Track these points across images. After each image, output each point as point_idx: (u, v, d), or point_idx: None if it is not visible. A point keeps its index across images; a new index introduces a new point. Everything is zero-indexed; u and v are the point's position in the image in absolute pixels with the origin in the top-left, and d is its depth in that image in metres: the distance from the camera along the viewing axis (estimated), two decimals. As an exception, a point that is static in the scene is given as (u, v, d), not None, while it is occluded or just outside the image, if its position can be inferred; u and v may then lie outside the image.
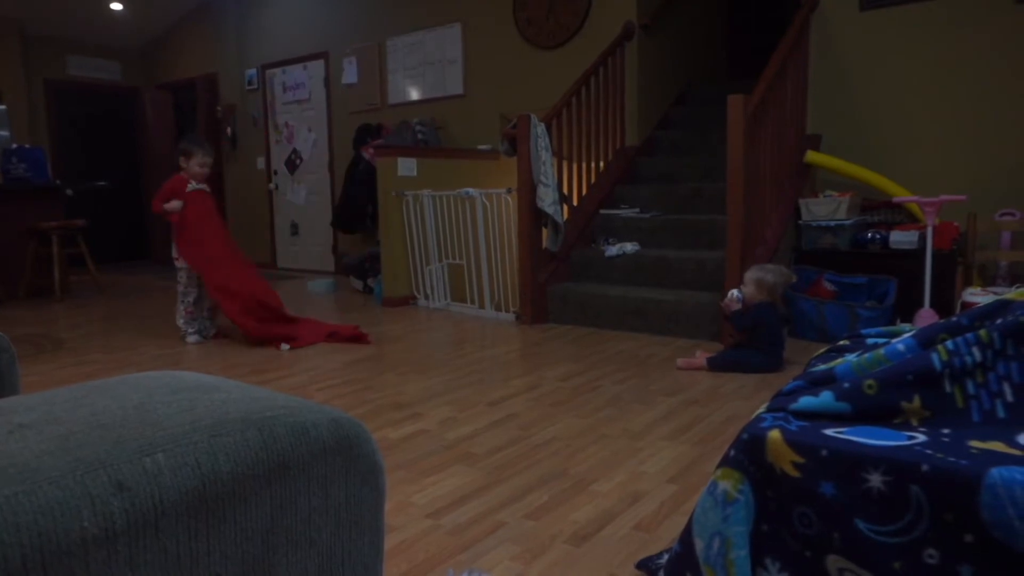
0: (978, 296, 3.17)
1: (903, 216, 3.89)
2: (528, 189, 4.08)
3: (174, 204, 3.72)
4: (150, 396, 0.64)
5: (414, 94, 6.22)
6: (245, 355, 3.50)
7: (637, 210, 4.54)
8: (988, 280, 3.75)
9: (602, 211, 4.61)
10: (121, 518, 0.47)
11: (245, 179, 7.89)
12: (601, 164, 4.80)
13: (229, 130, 7.88)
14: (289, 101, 7.35)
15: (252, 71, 7.58)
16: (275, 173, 7.59)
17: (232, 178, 8.06)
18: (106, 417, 0.59)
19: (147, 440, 0.53)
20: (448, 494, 1.82)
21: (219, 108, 7.94)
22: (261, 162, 7.69)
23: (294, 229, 7.48)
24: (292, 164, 7.41)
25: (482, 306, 4.52)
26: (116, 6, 7.56)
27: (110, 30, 8.04)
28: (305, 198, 7.32)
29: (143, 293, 5.86)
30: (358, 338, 3.74)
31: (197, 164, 3.81)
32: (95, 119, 8.38)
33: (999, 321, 1.04)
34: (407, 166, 4.90)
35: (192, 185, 3.81)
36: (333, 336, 3.77)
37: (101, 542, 0.46)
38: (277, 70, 7.38)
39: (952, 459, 0.90)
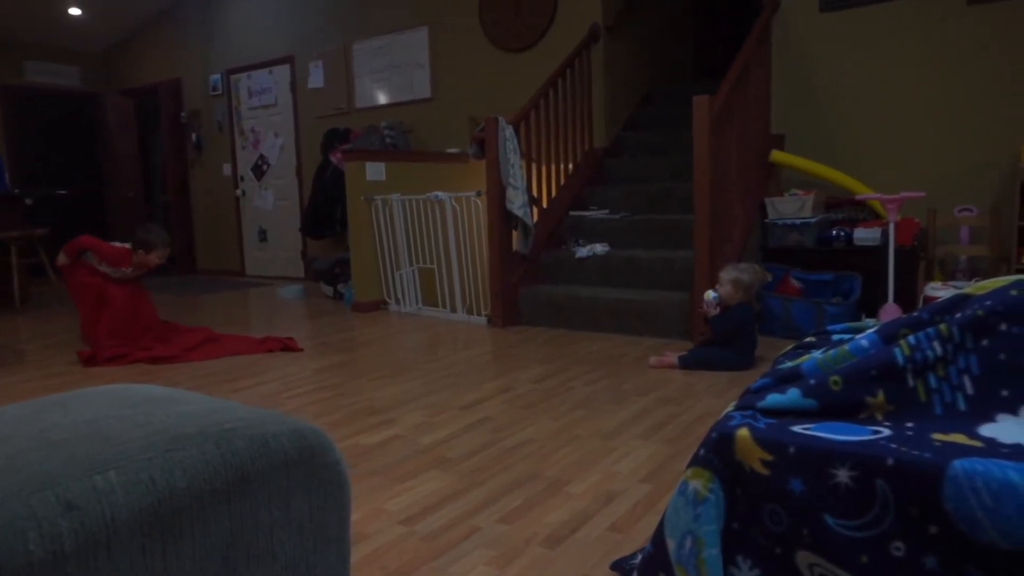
0: (939, 290, 3.24)
1: (866, 213, 3.97)
2: (497, 192, 4.07)
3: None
4: (104, 411, 0.62)
5: (382, 98, 6.19)
6: (215, 364, 3.44)
7: (607, 211, 4.57)
8: (948, 274, 3.84)
9: (572, 213, 4.63)
10: (70, 539, 0.46)
11: (211, 186, 7.78)
12: (570, 166, 4.82)
13: (194, 136, 7.76)
14: (255, 106, 7.25)
15: (217, 76, 7.47)
16: (242, 179, 7.49)
17: (198, 185, 7.93)
18: (57, 433, 0.57)
19: (99, 457, 0.51)
20: (422, 500, 1.80)
21: (183, 114, 7.81)
22: (227, 168, 7.58)
23: (262, 235, 7.39)
24: (259, 170, 7.31)
25: (454, 310, 4.50)
26: (75, 11, 7.39)
27: (69, 35, 7.86)
28: (273, 204, 7.23)
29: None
30: (288, 347, 3.71)
31: (157, 257, 3.75)
32: (54, 126, 8.18)
33: (958, 315, 1.06)
34: (376, 170, 4.86)
35: (128, 272, 3.76)
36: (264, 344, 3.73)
37: (49, 565, 0.45)
38: (242, 75, 7.29)
39: (916, 452, 0.91)
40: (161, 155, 8.33)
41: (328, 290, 5.60)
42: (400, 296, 4.82)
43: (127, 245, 3.78)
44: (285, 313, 4.97)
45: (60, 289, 5.79)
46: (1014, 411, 0.98)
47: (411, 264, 4.78)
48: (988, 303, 1.04)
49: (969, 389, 1.02)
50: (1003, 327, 1.01)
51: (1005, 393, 0.99)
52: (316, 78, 6.62)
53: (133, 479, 0.50)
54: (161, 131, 8.06)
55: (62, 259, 3.74)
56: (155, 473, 0.51)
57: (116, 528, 0.48)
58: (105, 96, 8.18)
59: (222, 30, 7.34)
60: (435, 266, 4.65)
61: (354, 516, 1.72)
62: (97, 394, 0.69)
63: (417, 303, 4.76)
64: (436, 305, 4.66)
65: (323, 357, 3.52)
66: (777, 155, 4.12)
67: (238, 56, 7.25)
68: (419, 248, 4.76)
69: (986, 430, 0.97)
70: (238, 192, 7.51)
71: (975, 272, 3.74)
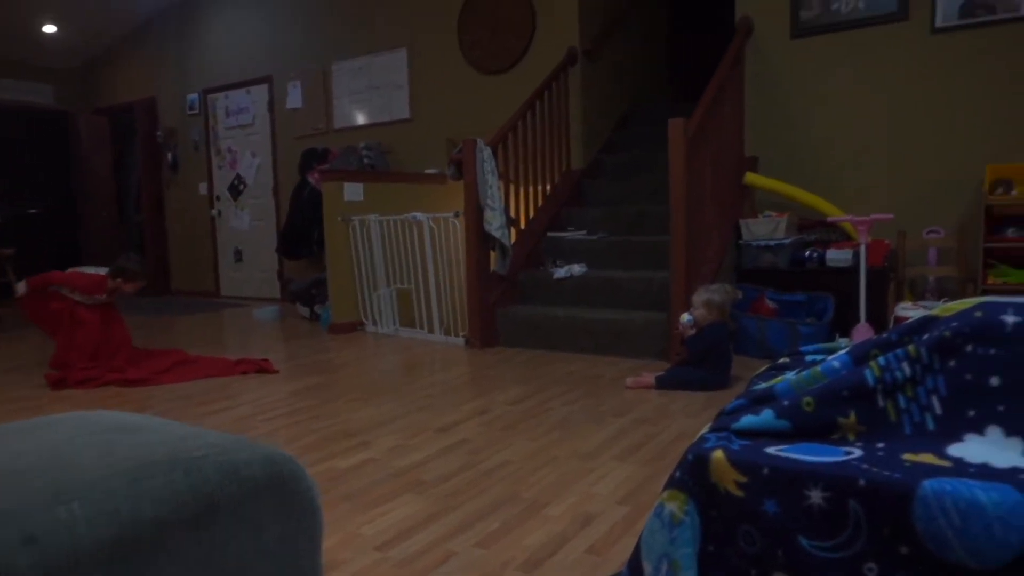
0: (909, 310, 3.29)
1: (838, 235, 4.03)
2: (475, 213, 4.08)
3: (20, 286, 3.61)
4: (69, 438, 0.61)
5: (360, 118, 6.19)
6: (187, 387, 3.39)
7: (584, 232, 4.60)
8: (918, 295, 3.91)
9: (549, 233, 4.65)
10: (31, 573, 0.44)
11: (186, 205, 7.70)
12: (547, 187, 4.85)
13: (170, 155, 7.70)
14: (232, 126, 7.22)
15: (194, 95, 7.43)
16: (218, 199, 7.43)
17: (173, 204, 7.86)
18: (20, 463, 0.55)
19: (62, 487, 0.50)
20: (397, 524, 1.78)
21: (159, 133, 7.75)
22: (203, 187, 7.52)
23: (238, 256, 7.32)
24: (235, 189, 7.27)
25: (431, 331, 4.49)
26: (50, 28, 7.33)
27: (42, 52, 7.78)
28: (249, 224, 7.18)
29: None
30: (263, 368, 3.67)
31: (132, 287, 3.72)
32: (25, 144, 8.06)
33: (926, 336, 1.08)
34: (353, 190, 4.86)
35: (102, 299, 3.71)
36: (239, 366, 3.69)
37: (8, 600, 0.43)
38: (220, 94, 7.26)
39: (887, 473, 0.92)
40: (136, 174, 8.24)
41: (304, 311, 5.55)
42: (377, 317, 4.80)
43: (101, 271, 3.72)
44: (260, 334, 4.91)
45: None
46: (980, 431, 0.99)
47: (388, 285, 4.76)
48: (954, 324, 1.06)
49: (937, 409, 1.04)
50: (969, 348, 1.03)
51: (972, 413, 1.01)
52: (294, 98, 6.62)
53: (97, 510, 0.49)
54: (136, 150, 7.98)
55: (22, 289, 3.62)
56: (120, 503, 0.50)
57: (78, 561, 0.47)
58: (78, 115, 8.10)
59: (199, 49, 7.32)
60: (412, 287, 4.63)
61: (327, 542, 1.69)
62: (62, 421, 0.68)
63: (394, 324, 4.73)
64: (413, 326, 4.63)
65: (298, 379, 3.48)
66: (751, 177, 4.19)
67: (215, 75, 7.23)
68: (396, 269, 4.74)
69: (954, 450, 0.98)
70: (214, 212, 7.45)
71: (943, 292, 3.81)
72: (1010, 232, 3.56)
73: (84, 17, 7.29)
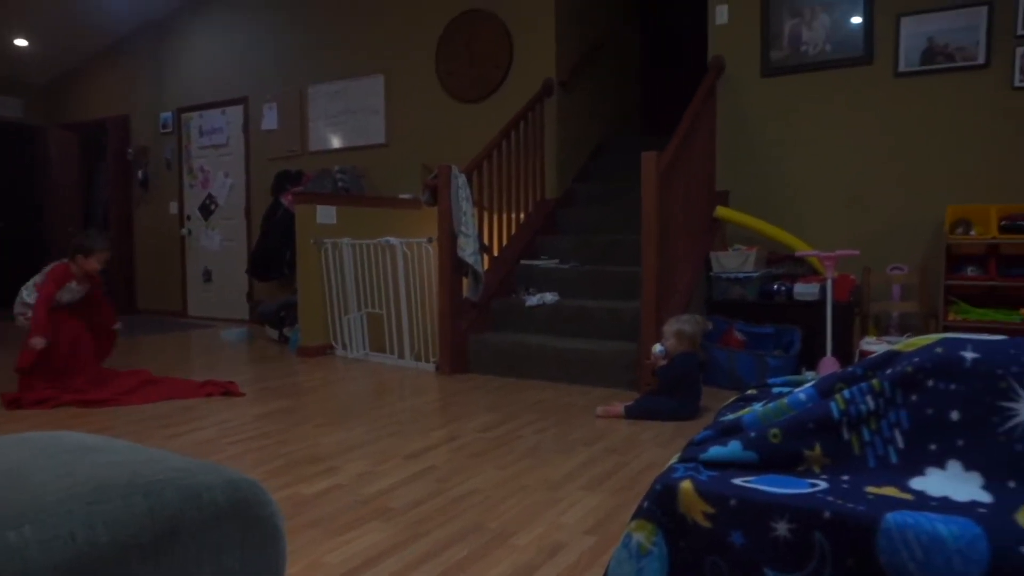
0: (873, 344, 3.36)
1: (805, 269, 4.11)
2: (449, 239, 4.09)
3: (36, 342, 3.37)
4: (24, 460, 0.59)
5: (335, 142, 6.19)
6: (151, 409, 3.31)
7: (557, 261, 4.62)
8: (882, 329, 3.99)
9: (522, 261, 4.67)
10: (-22, 600, 0.43)
11: (156, 223, 7.59)
12: (521, 215, 4.88)
13: (140, 173, 7.60)
14: (206, 145, 7.17)
15: (167, 114, 7.37)
16: (188, 218, 7.34)
17: (142, 223, 7.74)
18: (-29, 485, 0.54)
19: (14, 510, 0.48)
20: (363, 552, 1.75)
21: (130, 150, 7.65)
22: (174, 206, 7.43)
23: (207, 276, 7.21)
24: (207, 209, 7.19)
25: (401, 356, 4.45)
26: (21, 42, 7.24)
27: (13, 66, 7.67)
28: (220, 244, 7.09)
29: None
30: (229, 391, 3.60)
31: (97, 261, 3.54)
32: (-9, 158, 7.91)
33: (889, 371, 1.10)
34: (326, 213, 4.83)
35: (72, 289, 3.57)
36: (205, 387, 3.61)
37: (-47, 628, 0.42)
38: (194, 114, 7.21)
39: (851, 505, 0.94)
40: (105, 191, 8.11)
41: (273, 333, 5.47)
42: (347, 341, 4.75)
43: (61, 261, 3.59)
44: (228, 356, 4.83)
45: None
46: (942, 465, 1.01)
47: (359, 309, 4.72)
48: (916, 360, 1.08)
49: (900, 443, 1.05)
50: (930, 383, 1.06)
51: (933, 447, 1.03)
52: (270, 120, 6.60)
53: (51, 534, 0.47)
54: (106, 167, 7.87)
55: (40, 343, 3.37)
56: (75, 527, 0.48)
57: (30, 587, 0.45)
58: (47, 130, 7.97)
59: (175, 68, 7.28)
60: (384, 311, 4.60)
61: (292, 570, 1.65)
62: (23, 441, 0.66)
63: (364, 348, 4.69)
64: (384, 351, 4.60)
65: (265, 403, 3.42)
66: (721, 211, 4.26)
67: (190, 95, 7.19)
68: (368, 293, 4.71)
69: (916, 483, 1.00)
70: (184, 231, 7.35)
71: (906, 327, 3.90)
72: (969, 271, 3.66)
73: (57, 32, 7.21)
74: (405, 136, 5.79)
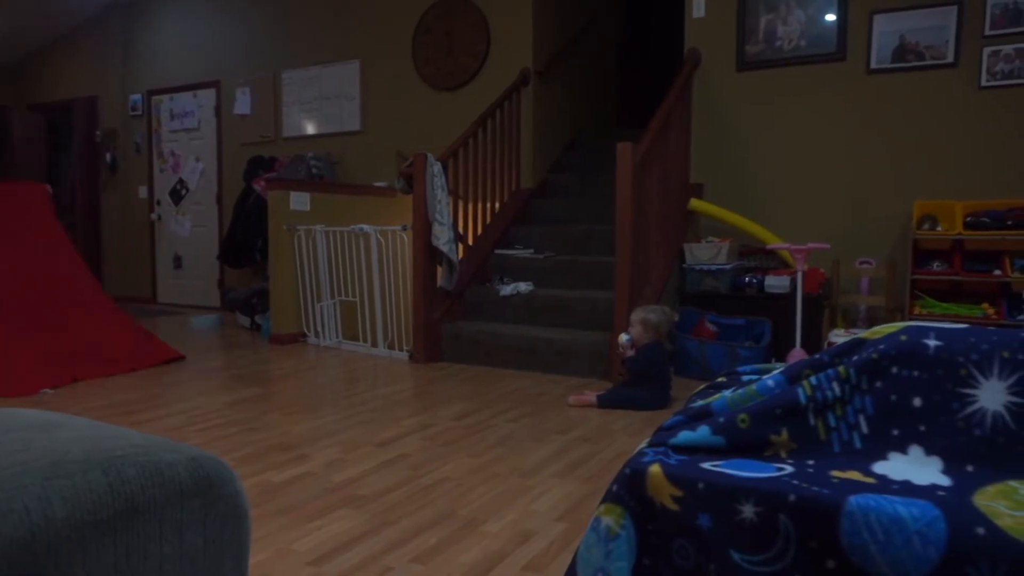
0: (841, 337, 3.41)
1: (776, 262, 4.16)
2: (423, 227, 4.07)
3: None
4: (-21, 436, 0.58)
5: (310, 128, 6.12)
6: (115, 395, 3.25)
7: (531, 250, 4.62)
8: (850, 322, 4.06)
9: (497, 251, 4.66)
10: (-74, 574, 0.42)
11: (125, 208, 7.45)
12: (496, 205, 4.87)
13: (109, 156, 7.44)
14: (176, 129, 7.04)
15: (137, 96, 7.22)
16: (158, 203, 7.21)
17: (110, 207, 7.58)
18: (-78, 460, 0.52)
19: (-33, 484, 0.47)
20: (332, 539, 1.74)
21: (98, 133, 7.49)
22: (144, 191, 7.29)
23: (177, 262, 7.10)
24: (177, 194, 7.06)
25: (375, 344, 4.43)
26: (-17, 19, 7.03)
27: (-25, 44, 7.46)
28: (190, 230, 6.98)
29: None
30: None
31: None
32: (-48, 138, 7.68)
33: (855, 358, 1.11)
34: (300, 200, 4.78)
35: None
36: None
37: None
38: (164, 96, 7.07)
39: (816, 489, 0.95)
40: (71, 174, 7.93)
41: (245, 321, 5.41)
42: (320, 329, 4.71)
43: None
44: (198, 343, 4.76)
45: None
46: (903, 450, 1.03)
47: (332, 297, 4.68)
48: (881, 347, 1.10)
49: (864, 428, 1.07)
50: (894, 370, 1.08)
51: (895, 432, 1.05)
52: (243, 104, 6.49)
53: (4, 508, 0.46)
54: (73, 150, 7.69)
55: None
56: (30, 502, 0.47)
57: (-19, 561, 0.44)
58: (11, 110, 7.76)
59: (145, 49, 7.12)
60: (357, 299, 4.57)
61: (259, 557, 1.64)
62: (-27, 418, 0.64)
63: (337, 336, 4.65)
64: (357, 339, 4.57)
65: (235, 390, 3.38)
66: (695, 203, 4.29)
67: (161, 77, 7.04)
68: (341, 280, 4.67)
69: (879, 467, 1.02)
70: (153, 216, 7.22)
71: (874, 320, 3.97)
72: (935, 266, 3.73)
73: (23, 11, 7.01)
74: (380, 123, 5.73)
